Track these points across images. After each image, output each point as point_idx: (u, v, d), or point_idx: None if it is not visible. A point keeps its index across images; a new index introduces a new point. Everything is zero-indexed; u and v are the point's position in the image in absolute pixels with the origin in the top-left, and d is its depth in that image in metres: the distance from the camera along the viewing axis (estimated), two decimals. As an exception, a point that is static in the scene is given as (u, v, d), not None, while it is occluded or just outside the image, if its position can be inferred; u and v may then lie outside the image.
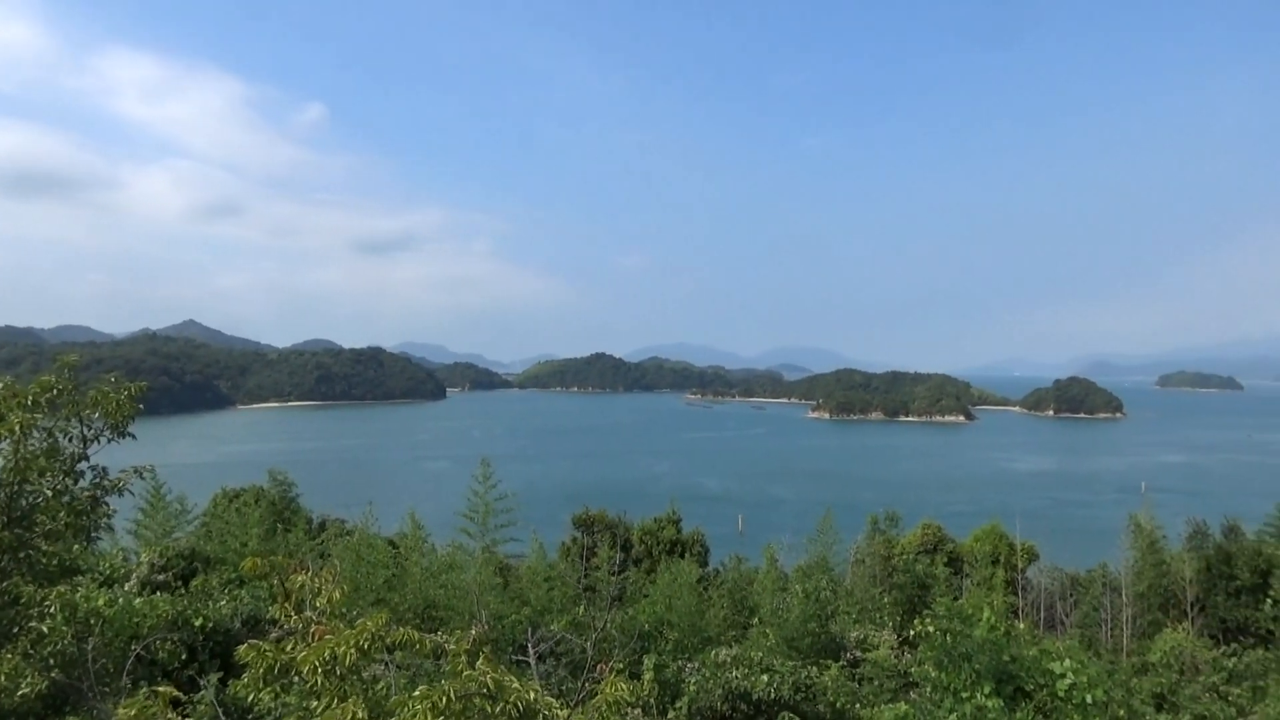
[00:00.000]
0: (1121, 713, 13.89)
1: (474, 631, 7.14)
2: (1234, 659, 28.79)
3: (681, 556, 39.04)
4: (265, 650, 6.59)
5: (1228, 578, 37.39)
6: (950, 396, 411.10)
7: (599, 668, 8.38)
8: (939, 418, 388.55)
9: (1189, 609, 37.05)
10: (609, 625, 19.26)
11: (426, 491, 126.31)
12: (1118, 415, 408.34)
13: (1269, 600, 34.76)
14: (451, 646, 7.11)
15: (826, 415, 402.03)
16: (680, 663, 18.94)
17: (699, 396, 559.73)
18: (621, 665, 17.60)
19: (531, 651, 9.00)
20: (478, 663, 6.61)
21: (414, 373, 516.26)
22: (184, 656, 14.19)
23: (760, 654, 18.55)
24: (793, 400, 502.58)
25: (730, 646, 19.60)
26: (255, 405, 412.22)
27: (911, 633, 15.81)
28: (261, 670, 6.55)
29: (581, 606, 20.30)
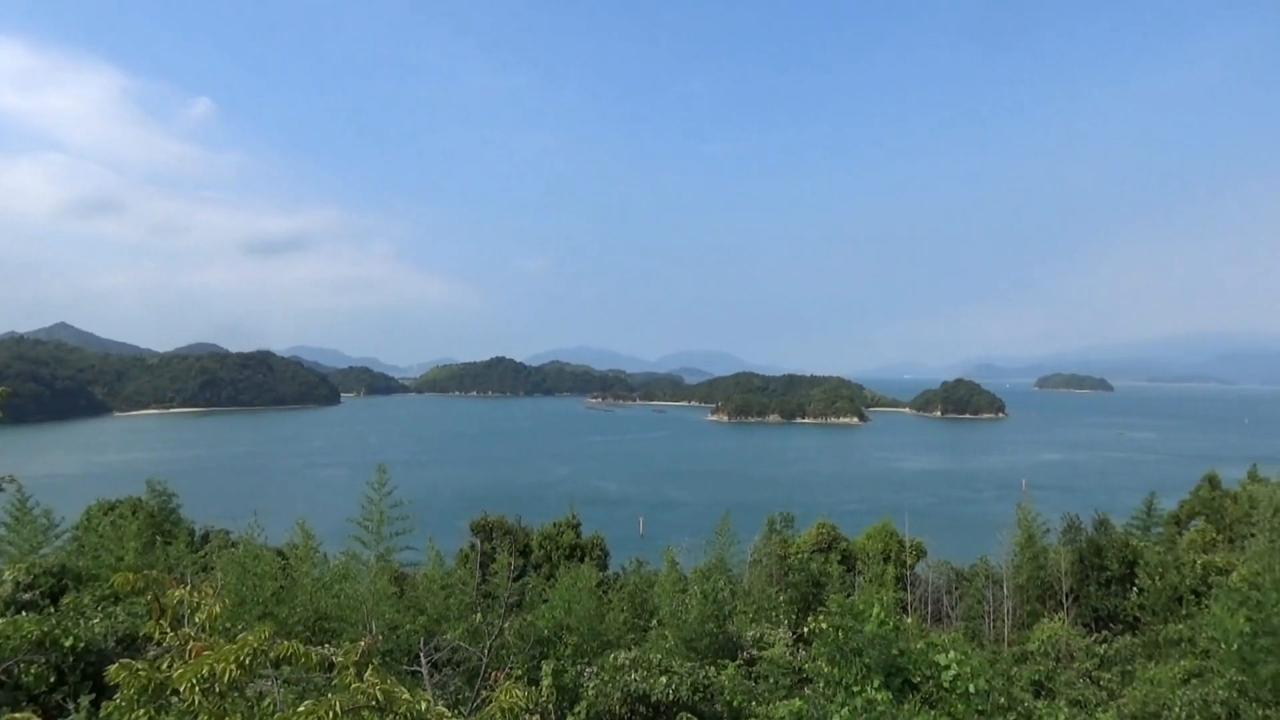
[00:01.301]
0: (1002, 700, 14.50)
1: (363, 643, 6.96)
2: (1105, 646, 30.50)
3: (581, 560, 38.96)
4: (139, 670, 6.26)
5: (1099, 569, 39.58)
6: (845, 399, 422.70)
7: (493, 675, 8.28)
8: (834, 419, 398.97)
9: (1064, 599, 39.02)
10: (507, 632, 19.05)
11: (318, 500, 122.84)
12: (1000, 415, 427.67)
13: (1135, 589, 36.97)
14: (340, 659, 6.92)
15: (725, 418, 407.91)
16: (579, 667, 18.84)
17: (600, 400, 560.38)
18: (519, 672, 17.43)
19: (424, 661, 8.83)
20: (366, 674, 6.45)
21: (306, 377, 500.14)
22: (52, 679, 13.33)
23: (659, 656, 18.62)
24: (693, 403, 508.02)
25: (629, 649, 19.61)
26: (134, 412, 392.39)
27: (806, 630, 16.19)
28: (134, 691, 6.22)
29: (479, 614, 19.99)
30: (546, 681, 15.94)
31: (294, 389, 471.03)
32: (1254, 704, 17.76)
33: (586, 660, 20.21)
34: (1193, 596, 34.60)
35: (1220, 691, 18.19)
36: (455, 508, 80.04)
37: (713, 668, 18.60)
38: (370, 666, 6.62)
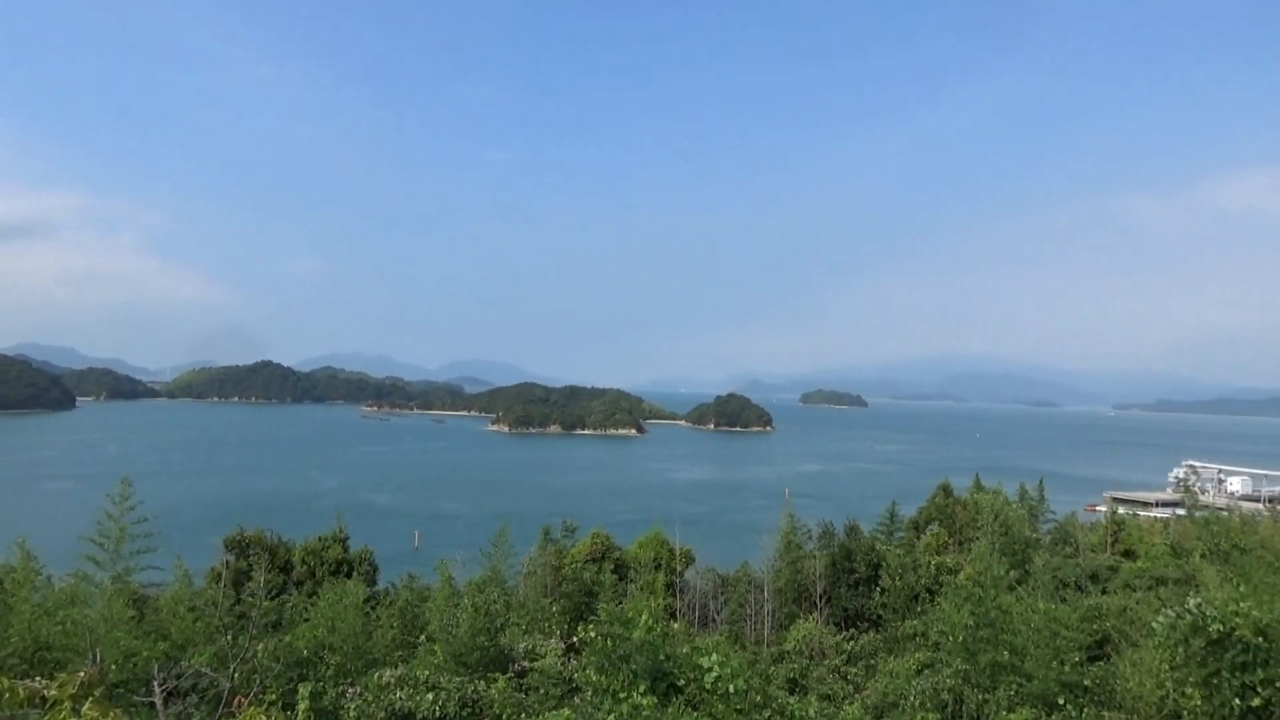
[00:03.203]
0: (758, 698, 15.24)
1: (83, 674, 6.24)
2: (852, 642, 32.96)
3: (348, 576, 37.30)
4: None
5: (849, 571, 42.71)
6: (624, 411, 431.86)
7: (238, 701, 7.68)
8: (613, 431, 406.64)
9: (819, 600, 41.78)
10: (261, 654, 17.82)
11: (45, 516, 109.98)
12: (768, 429, 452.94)
13: (879, 590, 40.18)
14: (53, 692, 6.15)
15: (506, 428, 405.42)
16: (341, 688, 18.00)
17: (375, 409, 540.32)
18: (274, 696, 16.36)
19: (158, 690, 8.04)
20: (84, 708, 5.78)
21: (34, 378, 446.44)
22: None
23: (427, 672, 18.13)
24: (473, 413, 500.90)
25: (396, 667, 18.96)
26: None
27: (576, 639, 16.30)
28: None
29: (230, 636, 18.55)
30: (303, 705, 15.07)
31: (19, 392, 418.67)
32: (975, 690, 19.77)
33: (350, 680, 19.31)
34: (927, 594, 38.03)
35: (948, 680, 20.10)
36: (209, 523, 74.37)
37: (483, 682, 18.33)
38: (91, 699, 5.93)
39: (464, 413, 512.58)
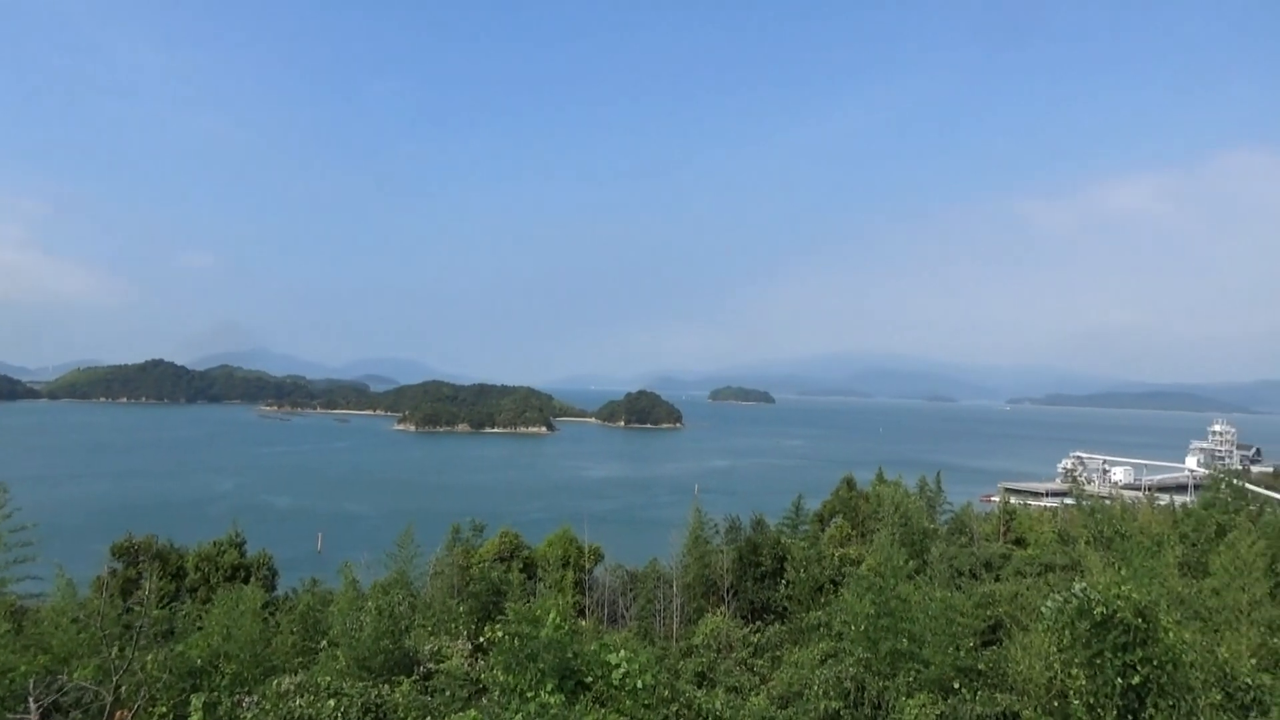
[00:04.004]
0: (666, 693, 15.36)
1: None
2: (759, 635, 33.49)
3: (245, 582, 36.11)
4: None
5: (755, 565, 43.38)
6: (534, 409, 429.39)
7: (120, 715, 7.31)
8: (523, 429, 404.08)
9: (726, 594, 42.31)
10: (150, 665, 17.06)
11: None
12: (678, 425, 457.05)
13: (784, 582, 40.92)
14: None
15: (413, 427, 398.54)
16: (238, 697, 17.41)
17: (275, 408, 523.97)
18: (165, 708, 15.71)
19: (34, 706, 7.57)
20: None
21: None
22: None
23: (329, 678, 17.66)
24: (379, 412, 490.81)
25: (296, 674, 18.40)
26: None
27: (483, 639, 16.14)
28: None
29: (115, 648, 17.64)
30: (196, 716, 14.49)
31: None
32: (876, 677, 20.34)
33: (247, 689, 18.71)
34: (831, 586, 38.89)
35: (850, 668, 20.63)
36: (94, 529, 70.94)
37: (387, 686, 17.97)
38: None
39: (369, 412, 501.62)
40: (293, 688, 16.63)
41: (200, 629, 25.25)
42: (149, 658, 17.14)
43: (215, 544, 43.35)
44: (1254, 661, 19.41)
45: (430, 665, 22.54)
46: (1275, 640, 21.56)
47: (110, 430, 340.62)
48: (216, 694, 16.25)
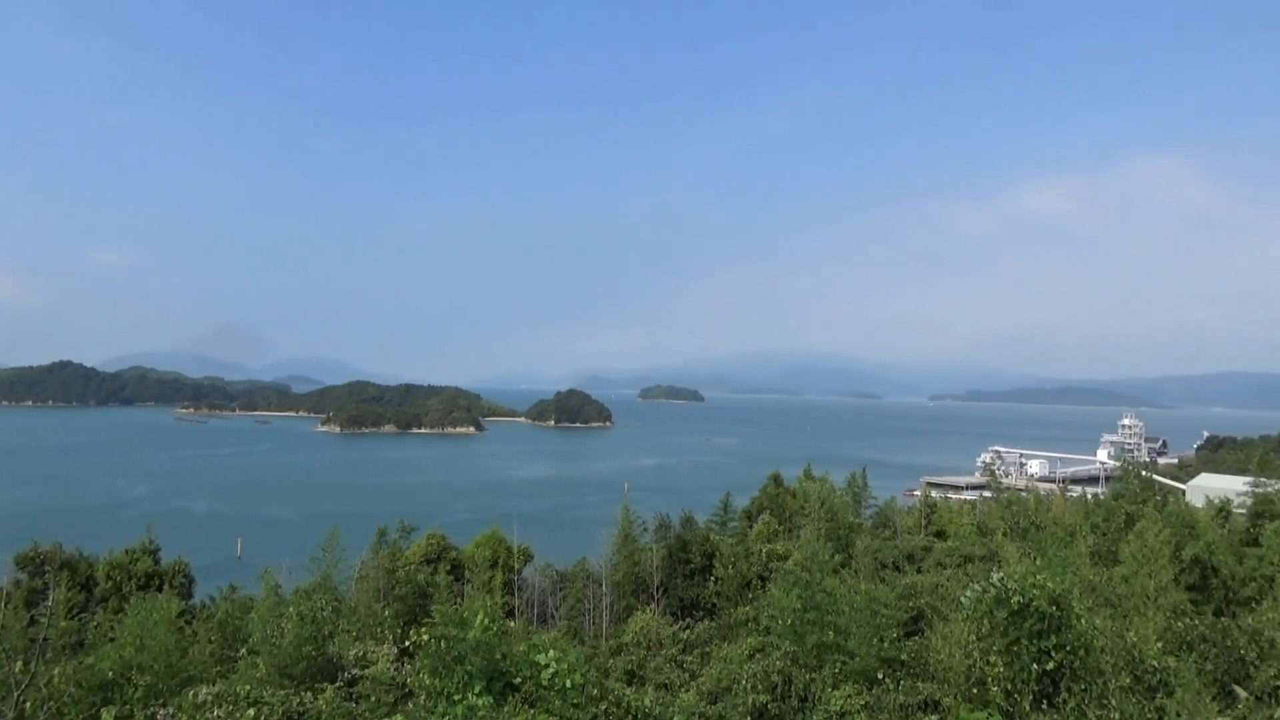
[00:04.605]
0: (595, 691, 15.36)
1: None
2: (688, 631, 33.73)
3: (160, 590, 34.96)
4: None
5: (684, 562, 43.69)
6: (462, 409, 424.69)
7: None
8: (451, 429, 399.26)
9: (656, 592, 42.51)
10: (57, 679, 16.36)
11: None
12: (608, 424, 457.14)
13: (713, 579, 41.29)
14: None
15: (337, 429, 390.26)
16: (152, 710, 16.87)
17: (192, 411, 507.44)
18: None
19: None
20: None
21: None
22: None
23: (248, 687, 17.21)
24: (302, 414, 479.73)
25: (214, 683, 17.88)
26: None
27: (409, 643, 15.90)
28: None
29: (19, 662, 16.82)
30: (106, 731, 13.98)
31: None
32: (803, 670, 20.69)
33: (161, 702, 18.12)
34: (759, 581, 39.40)
35: (777, 662, 20.93)
36: (-3, 538, 67.65)
37: (310, 693, 17.61)
38: None
39: (292, 413, 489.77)
40: (210, 698, 16.17)
41: (112, 640, 24.35)
42: (55, 671, 16.44)
43: (128, 552, 41.87)
44: (1160, 645, 20.31)
45: (355, 671, 22.12)
46: (1180, 624, 22.56)
47: (12, 434, 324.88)
48: (129, 707, 15.74)
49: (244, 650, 24.64)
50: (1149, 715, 15.54)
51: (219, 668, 25.04)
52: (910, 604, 28.83)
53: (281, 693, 17.01)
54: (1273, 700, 16.09)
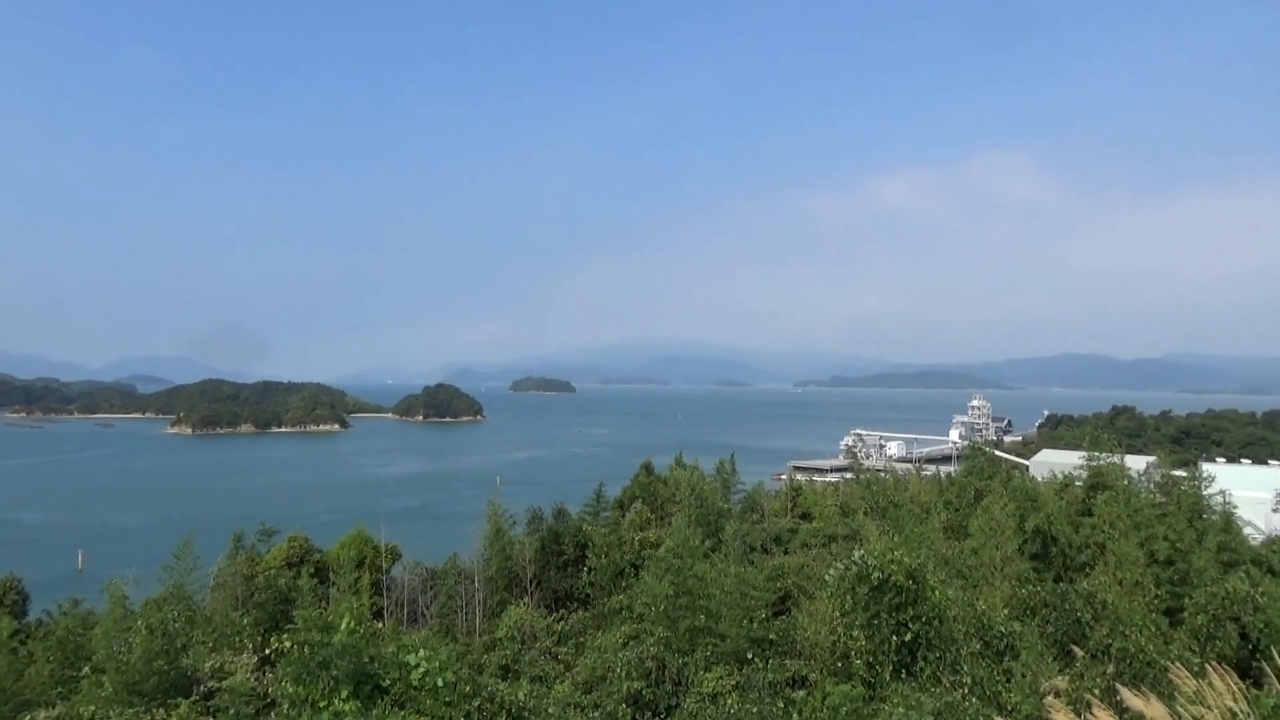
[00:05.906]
0: (468, 689, 15.12)
1: None
2: (562, 623, 33.77)
3: (-11, 609, 32.37)
4: None
5: (558, 554, 43.62)
6: (325, 406, 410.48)
7: None
8: (314, 427, 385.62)
9: (529, 585, 42.29)
10: None
11: None
12: (478, 418, 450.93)
13: (587, 569, 41.43)
14: None
15: (189, 430, 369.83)
16: (-19, 739, 15.58)
17: (23, 414, 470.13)
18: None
19: None
20: None
21: None
22: None
23: (93, 708, 16.18)
24: (149, 415, 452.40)
25: (54, 706, 16.70)
26: None
27: (270, 651, 15.25)
28: None
29: None
30: (-74, 766, 12.83)
31: None
32: (676, 654, 21.02)
33: (-8, 730, 16.78)
34: (632, 569, 39.78)
35: (651, 648, 21.20)
36: None
37: (162, 709, 16.69)
38: None
39: (138, 415, 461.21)
40: (49, 723, 15.10)
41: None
42: None
43: (-51, 570, 38.59)
44: (1006, 611, 21.70)
45: (212, 683, 21.07)
46: (1024, 591, 24.12)
47: None
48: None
49: (87, 668, 23.08)
50: (998, 678, 16.56)
51: (59, 689, 23.42)
52: (778, 585, 29.75)
53: (130, 711, 16.09)
54: (1105, 657, 17.43)
